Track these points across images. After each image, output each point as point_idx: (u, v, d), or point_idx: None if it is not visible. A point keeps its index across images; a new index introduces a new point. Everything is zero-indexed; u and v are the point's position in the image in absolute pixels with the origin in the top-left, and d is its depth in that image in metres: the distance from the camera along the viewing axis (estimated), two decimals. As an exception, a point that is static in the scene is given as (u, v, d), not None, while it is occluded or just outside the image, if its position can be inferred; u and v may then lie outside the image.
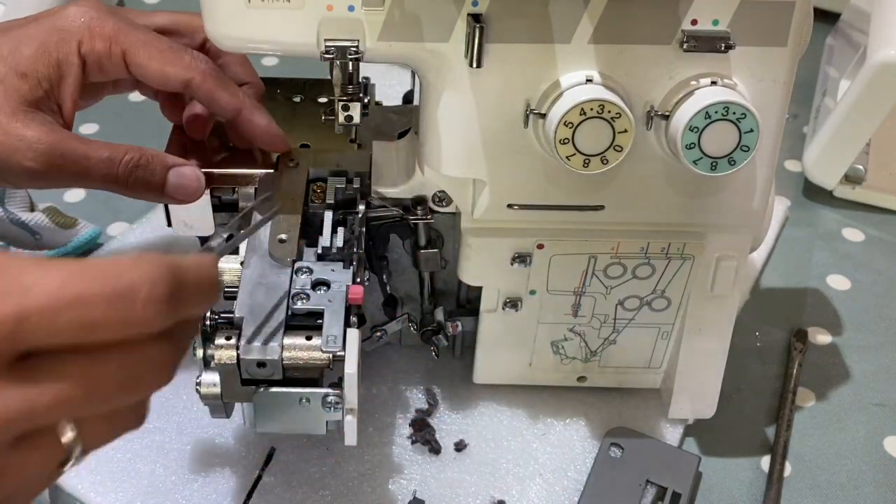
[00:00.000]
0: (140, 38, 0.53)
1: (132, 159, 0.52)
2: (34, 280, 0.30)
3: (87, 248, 0.73)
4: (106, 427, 0.34)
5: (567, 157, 0.48)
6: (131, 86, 0.59)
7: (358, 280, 0.51)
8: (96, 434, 0.33)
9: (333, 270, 0.51)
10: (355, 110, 0.52)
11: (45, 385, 0.30)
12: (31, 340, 0.30)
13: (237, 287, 0.50)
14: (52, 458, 0.32)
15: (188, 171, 0.54)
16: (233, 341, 0.46)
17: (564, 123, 0.47)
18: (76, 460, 0.33)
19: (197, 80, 0.53)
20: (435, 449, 0.60)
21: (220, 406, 0.49)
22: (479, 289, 0.58)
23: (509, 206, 0.53)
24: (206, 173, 0.55)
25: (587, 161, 0.48)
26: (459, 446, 0.61)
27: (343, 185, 0.56)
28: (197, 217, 0.56)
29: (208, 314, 0.47)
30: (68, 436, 0.32)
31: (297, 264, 0.51)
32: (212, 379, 0.47)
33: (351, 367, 0.45)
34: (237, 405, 0.51)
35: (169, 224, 0.57)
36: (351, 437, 0.47)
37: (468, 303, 0.61)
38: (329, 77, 0.51)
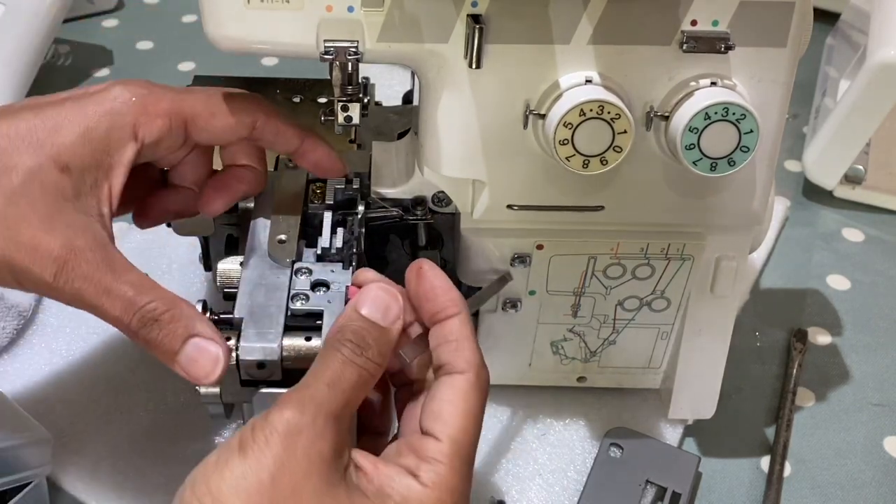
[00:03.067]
0: (198, 98, 0.48)
1: (150, 311, 0.43)
2: None
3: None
4: None
5: (566, 158, 0.48)
6: (170, 162, 0.52)
7: None
8: None
9: (333, 271, 0.51)
10: (354, 111, 0.52)
11: None
12: None
13: (236, 288, 0.50)
14: None
15: (209, 350, 0.44)
16: (232, 342, 0.46)
17: (564, 124, 0.47)
18: None
19: (262, 120, 0.50)
20: (435, 449, 0.60)
21: (219, 407, 0.49)
22: (479, 289, 0.58)
23: (509, 206, 0.53)
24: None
25: (587, 162, 0.48)
26: (459, 447, 0.61)
27: (342, 186, 0.56)
28: (197, 217, 0.56)
29: (207, 315, 0.47)
30: None
31: (297, 265, 0.51)
32: (211, 380, 0.47)
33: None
34: (237, 406, 0.51)
35: (169, 224, 0.57)
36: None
37: (468, 303, 0.61)
38: (329, 77, 0.51)
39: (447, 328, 0.45)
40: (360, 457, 0.42)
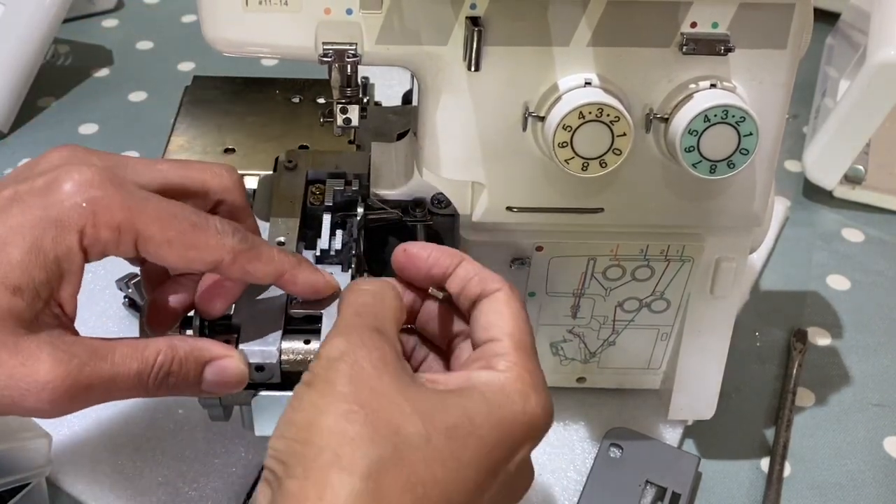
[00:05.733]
0: (153, 216, 0.42)
1: (163, 366, 0.42)
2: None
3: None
4: None
5: (566, 161, 0.48)
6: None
7: None
8: None
9: (332, 273, 0.51)
10: (353, 113, 0.52)
11: None
12: None
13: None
14: None
15: (228, 366, 0.44)
16: (231, 345, 0.46)
17: (563, 127, 0.47)
18: None
19: (227, 261, 0.44)
20: (434, 450, 0.60)
21: (219, 409, 0.49)
22: (479, 290, 0.58)
23: (508, 208, 0.53)
24: None
25: (586, 164, 0.48)
26: (459, 447, 0.61)
27: (342, 187, 0.56)
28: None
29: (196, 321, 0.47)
30: None
31: (296, 267, 0.51)
32: (211, 382, 0.47)
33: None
34: (236, 408, 0.51)
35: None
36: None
37: (467, 304, 0.61)
38: (328, 78, 0.51)
39: (461, 272, 0.46)
40: (428, 374, 0.42)
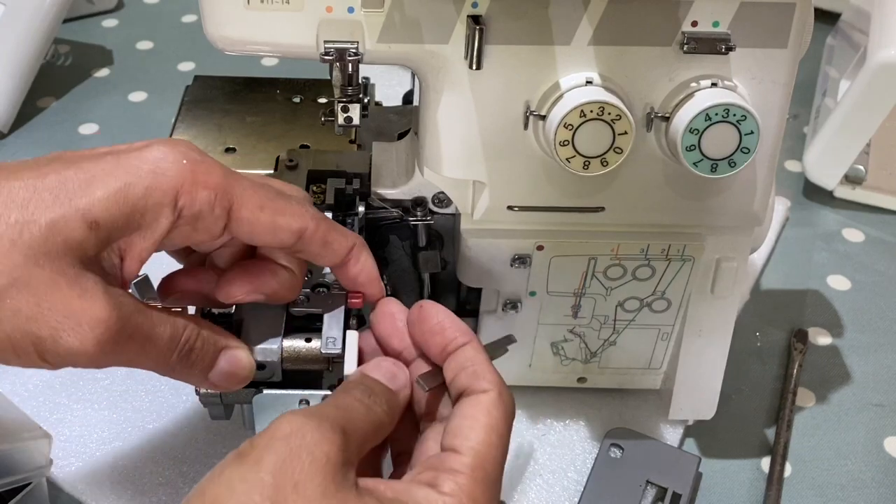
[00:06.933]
0: (248, 187, 0.42)
1: (189, 339, 0.42)
2: None
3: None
4: None
5: (567, 159, 0.48)
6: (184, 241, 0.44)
7: None
8: None
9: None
10: (355, 111, 0.52)
11: None
12: None
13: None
14: None
15: (242, 358, 0.44)
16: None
17: (564, 125, 0.47)
18: None
19: (311, 229, 0.44)
20: (435, 450, 0.60)
21: (219, 408, 0.49)
22: (479, 290, 0.58)
23: (509, 207, 0.53)
24: None
25: (587, 163, 0.48)
26: (459, 447, 0.61)
27: (343, 186, 0.56)
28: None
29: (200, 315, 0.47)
30: None
31: (297, 266, 0.51)
32: (212, 381, 0.47)
33: (350, 369, 0.45)
34: (237, 406, 0.51)
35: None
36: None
37: (468, 304, 0.61)
38: (329, 77, 0.51)
39: (462, 356, 0.43)
40: (371, 480, 0.39)
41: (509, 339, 0.49)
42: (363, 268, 0.47)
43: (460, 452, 0.39)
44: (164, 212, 0.40)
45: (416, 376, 0.44)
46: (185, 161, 0.40)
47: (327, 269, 0.51)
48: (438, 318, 0.44)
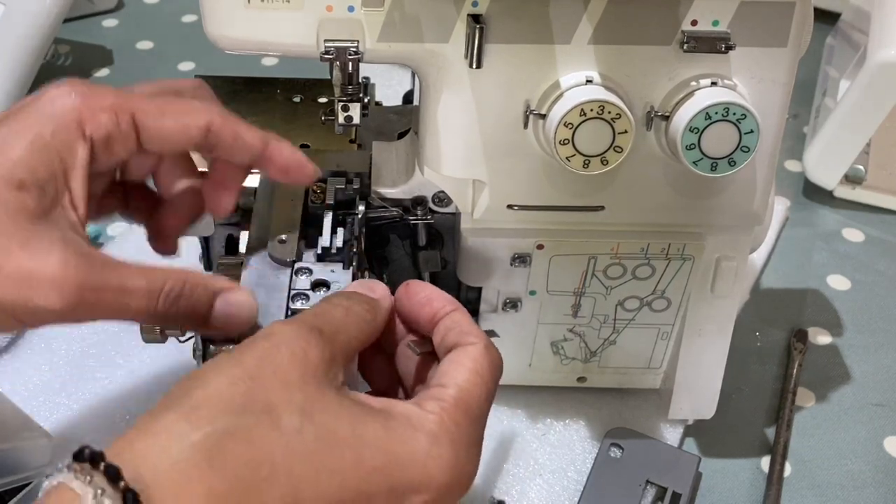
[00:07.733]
0: (141, 96, 0.44)
1: (173, 288, 0.42)
2: None
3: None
4: None
5: (567, 158, 0.48)
6: (140, 171, 0.48)
7: None
8: None
9: (333, 271, 0.51)
10: (355, 111, 0.52)
11: None
12: None
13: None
14: None
15: (240, 298, 0.44)
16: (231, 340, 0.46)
17: (564, 124, 0.47)
18: None
19: (218, 122, 0.44)
20: (435, 449, 0.60)
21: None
22: (479, 289, 0.58)
23: (509, 206, 0.53)
24: None
25: (587, 162, 0.48)
26: (459, 447, 0.61)
27: (343, 186, 0.56)
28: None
29: None
30: None
31: (297, 265, 0.51)
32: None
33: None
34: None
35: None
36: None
37: (468, 303, 0.61)
38: (329, 77, 0.51)
39: (450, 320, 0.44)
40: (362, 394, 0.40)
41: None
42: (287, 157, 0.47)
43: (445, 387, 0.40)
44: (77, 144, 0.41)
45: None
46: (74, 94, 0.42)
47: (328, 270, 0.51)
48: (426, 291, 0.45)
